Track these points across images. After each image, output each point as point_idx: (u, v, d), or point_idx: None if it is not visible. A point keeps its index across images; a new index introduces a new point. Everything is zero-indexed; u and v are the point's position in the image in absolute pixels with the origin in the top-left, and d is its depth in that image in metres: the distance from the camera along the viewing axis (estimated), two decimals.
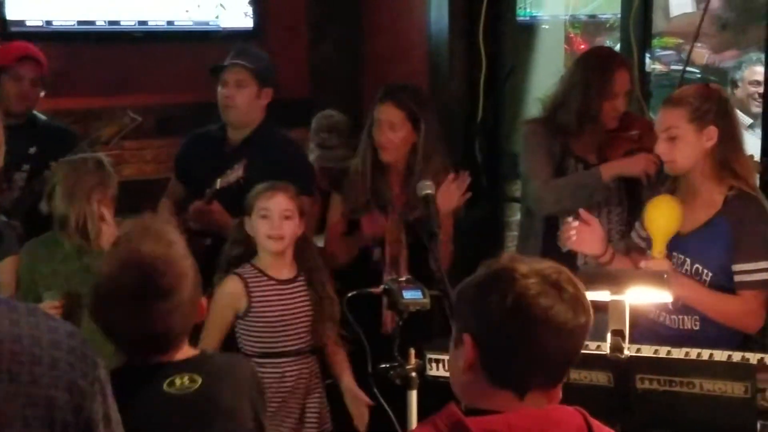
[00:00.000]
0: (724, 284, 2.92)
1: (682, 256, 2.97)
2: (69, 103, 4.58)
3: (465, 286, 1.71)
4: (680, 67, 5.06)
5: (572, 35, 6.19)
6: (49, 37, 4.63)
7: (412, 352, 2.62)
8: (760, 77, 4.55)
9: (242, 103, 3.71)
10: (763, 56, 4.47)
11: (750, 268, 2.89)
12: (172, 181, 3.98)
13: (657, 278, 2.53)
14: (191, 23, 5.00)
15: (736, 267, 2.90)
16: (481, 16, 4.78)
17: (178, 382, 2.04)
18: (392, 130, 3.55)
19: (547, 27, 5.60)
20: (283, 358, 3.19)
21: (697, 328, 2.96)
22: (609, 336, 2.32)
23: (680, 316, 2.98)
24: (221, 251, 3.35)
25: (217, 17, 5.04)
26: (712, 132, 2.91)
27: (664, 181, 3.11)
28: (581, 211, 3.10)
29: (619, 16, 4.93)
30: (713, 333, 2.91)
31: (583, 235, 3.04)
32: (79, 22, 4.72)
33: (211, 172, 3.61)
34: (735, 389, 2.28)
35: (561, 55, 5.66)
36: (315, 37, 5.40)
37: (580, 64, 3.69)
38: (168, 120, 4.79)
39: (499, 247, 4.94)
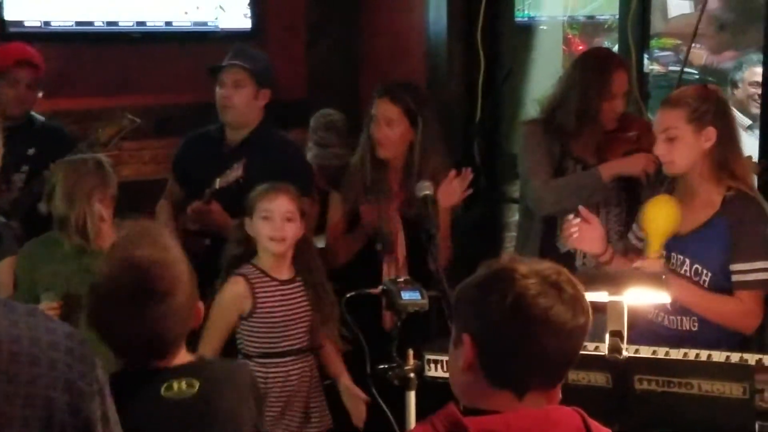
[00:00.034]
0: (724, 285, 2.93)
1: (682, 257, 2.97)
2: (67, 103, 4.58)
3: (464, 286, 1.71)
4: (678, 68, 5.06)
5: (570, 36, 6.19)
6: (48, 37, 4.63)
7: (411, 352, 2.63)
8: (760, 78, 4.55)
9: (240, 103, 3.71)
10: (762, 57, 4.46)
11: (747, 268, 2.89)
12: (170, 182, 3.97)
13: (655, 279, 2.53)
14: (190, 24, 4.99)
15: (734, 267, 2.91)
16: (479, 17, 4.79)
17: (175, 386, 2.04)
18: (389, 126, 3.55)
19: (545, 28, 5.60)
20: (286, 358, 3.20)
21: (696, 329, 2.97)
22: (607, 337, 2.32)
23: (678, 317, 2.99)
24: (220, 252, 3.34)
25: (216, 18, 5.04)
26: (710, 133, 2.91)
27: (663, 182, 3.11)
28: (581, 209, 3.10)
29: (617, 17, 4.94)
30: (712, 334, 2.91)
31: (584, 233, 3.05)
32: (78, 23, 4.71)
33: (210, 172, 3.61)
34: (733, 390, 2.28)
35: (559, 55, 5.66)
36: (313, 37, 5.40)
37: (578, 64, 3.70)
38: (166, 121, 4.78)
39: (497, 248, 4.94)
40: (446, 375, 2.44)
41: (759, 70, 4.58)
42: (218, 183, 3.56)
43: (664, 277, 2.56)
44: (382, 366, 2.61)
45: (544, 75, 4.93)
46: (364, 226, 3.60)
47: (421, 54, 5.11)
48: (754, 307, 2.92)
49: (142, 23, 4.86)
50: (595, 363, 2.33)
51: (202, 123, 3.91)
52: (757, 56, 4.78)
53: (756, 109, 4.78)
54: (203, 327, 3.02)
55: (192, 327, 2.12)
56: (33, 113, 4.09)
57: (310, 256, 3.31)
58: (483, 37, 4.81)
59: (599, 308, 2.04)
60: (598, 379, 2.34)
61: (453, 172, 3.50)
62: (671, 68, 6.06)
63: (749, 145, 4.09)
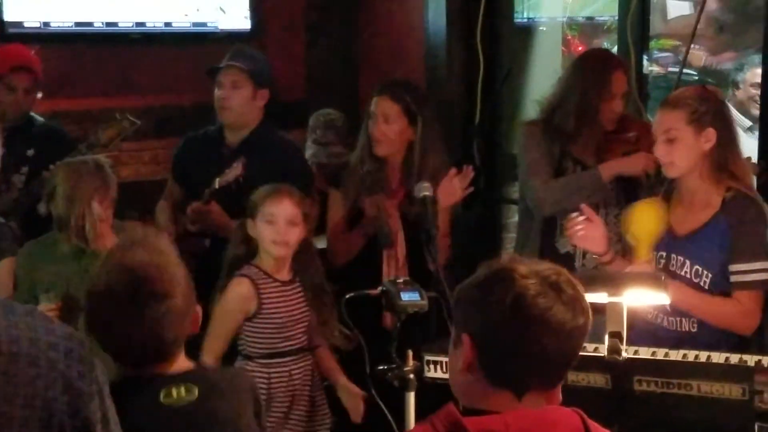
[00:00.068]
0: (725, 286, 2.93)
1: (682, 258, 2.97)
2: (67, 104, 4.58)
3: (464, 286, 1.71)
4: (678, 69, 5.06)
5: (570, 37, 6.19)
6: (47, 38, 4.62)
7: (410, 353, 2.63)
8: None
9: (238, 104, 3.71)
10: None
11: (746, 269, 2.90)
12: (169, 183, 3.97)
13: (655, 280, 2.53)
14: (189, 25, 4.99)
15: (733, 267, 2.91)
16: (478, 18, 4.79)
17: (174, 393, 2.03)
18: (387, 123, 3.55)
19: (544, 29, 5.60)
20: (288, 357, 3.21)
21: (695, 330, 2.97)
22: (607, 338, 2.32)
23: (678, 318, 2.99)
24: (220, 252, 3.34)
25: (215, 19, 5.04)
26: (710, 134, 2.92)
27: (662, 183, 3.12)
28: (584, 207, 3.11)
29: (616, 18, 4.94)
30: (711, 335, 2.91)
31: (589, 231, 3.05)
32: (77, 24, 4.71)
33: (210, 173, 3.61)
34: (733, 391, 2.29)
35: (558, 57, 5.66)
36: (312, 38, 5.40)
37: (577, 65, 3.70)
38: (166, 121, 4.78)
39: (496, 249, 4.94)
40: (446, 376, 2.44)
41: (760, 71, 4.58)
42: (218, 182, 3.56)
43: (663, 278, 2.56)
44: (381, 367, 2.61)
45: (543, 76, 4.93)
46: (365, 221, 3.59)
47: (420, 55, 5.11)
48: (752, 307, 2.92)
49: (141, 24, 4.86)
50: (594, 364, 2.33)
51: (202, 124, 3.91)
52: (759, 57, 4.78)
53: (756, 111, 4.78)
54: (206, 329, 3.02)
55: (190, 332, 2.11)
56: (33, 114, 4.08)
57: (309, 257, 3.31)
58: (482, 38, 4.82)
59: (599, 309, 2.04)
60: (598, 380, 2.35)
61: (453, 171, 3.49)
62: (670, 69, 6.06)
63: (749, 146, 4.09)
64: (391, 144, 3.57)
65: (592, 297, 1.90)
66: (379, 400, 2.70)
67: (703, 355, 2.57)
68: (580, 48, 6.06)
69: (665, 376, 2.33)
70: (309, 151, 4.64)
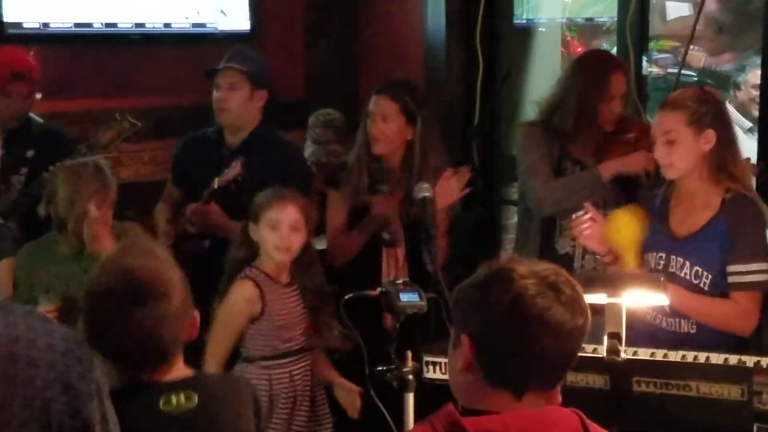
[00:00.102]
0: (725, 287, 2.93)
1: (681, 260, 2.97)
2: (66, 105, 4.58)
3: (463, 287, 1.71)
4: (677, 70, 5.06)
5: (569, 38, 6.19)
6: (47, 39, 4.62)
7: (409, 354, 2.63)
8: None
9: (235, 105, 3.71)
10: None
11: (744, 270, 2.90)
12: (168, 184, 3.97)
13: (653, 281, 2.53)
14: (189, 26, 4.99)
15: (731, 268, 2.91)
16: (478, 19, 4.79)
17: (174, 400, 2.03)
18: (384, 121, 3.54)
19: (543, 30, 5.61)
20: (288, 358, 3.21)
21: (694, 331, 2.97)
22: (606, 339, 2.32)
23: (677, 319, 2.99)
24: (220, 254, 3.34)
25: (215, 20, 5.04)
26: (710, 135, 2.92)
27: (661, 184, 3.12)
28: (588, 206, 3.11)
29: (615, 19, 4.94)
30: (710, 336, 2.91)
31: (593, 230, 3.06)
32: (77, 25, 4.71)
33: (209, 175, 3.61)
34: (731, 392, 2.28)
35: (558, 58, 5.67)
36: (312, 39, 5.40)
37: (576, 66, 3.70)
38: (165, 122, 4.78)
39: (496, 250, 4.95)
40: (445, 377, 2.44)
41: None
42: (216, 182, 3.56)
43: (662, 279, 2.56)
44: (380, 368, 2.61)
45: (542, 77, 4.93)
46: (371, 219, 3.57)
47: (419, 56, 5.11)
48: (750, 308, 2.92)
49: (141, 25, 4.86)
50: (593, 365, 2.33)
51: (202, 124, 3.91)
52: (760, 58, 4.77)
53: (757, 112, 4.78)
54: (205, 332, 3.02)
55: (188, 338, 2.11)
56: (32, 115, 4.08)
57: (309, 260, 3.31)
58: (482, 38, 4.82)
59: (597, 310, 2.04)
60: (597, 381, 2.35)
61: (449, 171, 3.49)
62: (670, 70, 6.06)
63: (750, 147, 4.09)
64: (389, 143, 3.56)
65: (591, 298, 1.90)
66: (378, 401, 2.69)
67: (702, 356, 2.57)
68: (579, 49, 6.06)
69: (664, 377, 2.32)
70: (308, 150, 4.65)
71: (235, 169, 3.53)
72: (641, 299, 2.48)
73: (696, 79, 5.85)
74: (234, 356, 3.23)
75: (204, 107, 3.85)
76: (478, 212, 4.88)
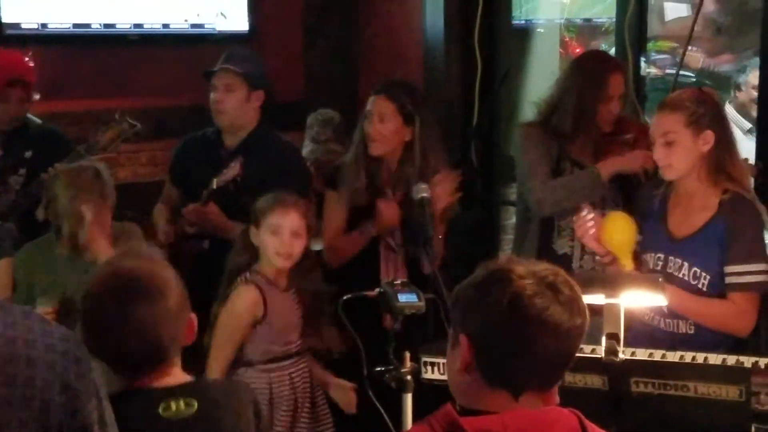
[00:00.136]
0: (723, 287, 2.93)
1: (680, 260, 2.97)
2: (65, 105, 4.58)
3: (462, 287, 1.72)
4: (675, 71, 5.07)
5: (567, 39, 6.20)
6: (45, 39, 4.63)
7: (408, 355, 2.63)
8: None
9: (231, 107, 3.71)
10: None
11: (741, 270, 2.90)
12: (167, 185, 3.97)
13: (652, 282, 2.53)
14: (187, 26, 5.00)
15: (728, 269, 2.91)
16: (476, 20, 4.79)
17: (173, 406, 2.03)
18: (381, 121, 3.53)
19: (542, 31, 5.62)
20: (287, 361, 3.21)
21: (692, 331, 2.97)
22: (604, 339, 2.32)
23: (675, 320, 2.99)
24: (219, 254, 3.34)
25: (213, 21, 5.05)
26: (708, 136, 2.92)
27: (660, 185, 3.12)
28: (588, 207, 3.11)
29: (614, 20, 4.95)
30: (708, 336, 2.92)
31: (597, 230, 3.06)
32: (75, 25, 4.71)
33: (208, 176, 3.60)
34: (729, 392, 2.29)
35: (556, 58, 5.68)
36: (311, 39, 5.41)
37: (574, 67, 3.70)
38: (164, 123, 4.78)
39: (494, 251, 4.95)
40: (443, 377, 2.44)
41: None
42: (215, 183, 3.55)
43: (660, 279, 2.56)
44: (378, 368, 2.61)
45: (541, 78, 4.94)
46: (379, 224, 3.55)
47: (418, 57, 5.12)
48: (748, 308, 2.92)
49: (139, 25, 4.86)
50: (591, 365, 2.33)
51: (200, 125, 3.91)
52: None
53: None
54: (204, 335, 3.02)
55: (186, 342, 2.11)
56: (30, 116, 4.08)
57: (309, 264, 3.30)
58: (480, 39, 4.82)
59: (596, 311, 2.04)
60: (595, 381, 2.35)
61: (440, 175, 3.48)
62: (668, 71, 6.07)
63: (750, 148, 4.09)
64: (385, 143, 3.55)
65: (590, 298, 1.90)
66: (376, 401, 2.69)
67: (700, 357, 2.57)
68: (577, 50, 6.08)
69: (662, 378, 2.32)
70: (306, 149, 4.65)
71: (233, 169, 3.53)
72: (639, 300, 2.48)
73: (694, 79, 5.86)
74: (234, 360, 3.23)
75: (202, 108, 3.85)
76: (476, 213, 4.89)
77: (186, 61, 4.77)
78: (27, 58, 4.20)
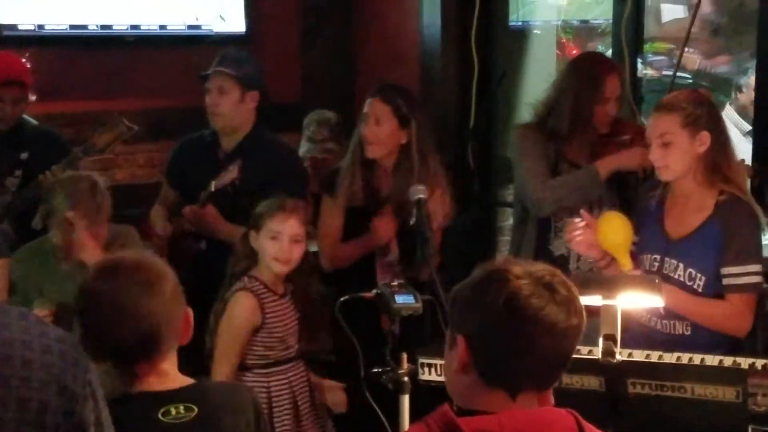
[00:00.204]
0: (718, 289, 2.93)
1: (675, 261, 2.97)
2: (61, 107, 4.58)
3: (459, 288, 1.72)
4: (672, 73, 5.07)
5: (564, 40, 6.20)
6: (42, 41, 4.63)
7: (405, 356, 2.63)
8: None
9: (226, 109, 3.71)
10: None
11: (738, 272, 2.90)
12: (164, 187, 3.97)
13: (649, 283, 2.53)
14: (184, 28, 5.00)
15: (725, 270, 2.91)
16: (473, 22, 4.80)
17: (173, 411, 2.03)
18: (377, 124, 3.53)
19: (539, 32, 5.62)
20: (285, 365, 3.21)
21: (689, 333, 2.97)
22: (601, 340, 2.32)
23: (672, 321, 2.99)
24: (216, 255, 3.34)
25: (211, 23, 5.05)
26: (705, 137, 2.92)
27: (656, 186, 3.12)
28: (583, 212, 3.11)
29: (610, 21, 4.95)
30: (705, 338, 2.92)
31: (586, 237, 3.06)
32: (72, 27, 4.71)
33: (206, 177, 3.60)
34: (726, 394, 2.29)
35: (553, 60, 5.68)
36: (307, 42, 5.41)
37: (571, 68, 3.70)
38: (161, 124, 4.78)
39: (491, 252, 4.95)
40: (440, 379, 2.44)
41: None
42: (213, 185, 3.55)
43: (657, 281, 2.56)
44: (376, 369, 2.61)
45: (537, 79, 4.94)
46: (375, 242, 3.56)
47: (415, 58, 5.12)
48: (745, 310, 2.92)
49: (136, 27, 4.86)
50: (588, 367, 2.33)
51: (197, 126, 3.91)
52: None
53: None
54: (202, 334, 3.01)
55: (183, 341, 2.10)
56: (25, 117, 4.07)
57: (307, 269, 3.30)
58: (477, 41, 4.83)
59: (593, 312, 2.04)
60: (592, 382, 2.35)
61: (435, 197, 3.47)
62: (665, 72, 6.07)
63: (748, 150, 4.09)
64: (381, 146, 3.55)
65: (587, 299, 1.90)
66: (373, 402, 2.69)
67: (696, 358, 2.57)
68: (574, 51, 6.08)
69: (659, 379, 2.33)
70: (302, 149, 4.65)
71: (231, 173, 3.53)
72: (636, 301, 2.48)
73: (691, 81, 5.86)
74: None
75: (200, 109, 3.85)
76: (473, 214, 4.89)
77: (183, 62, 4.77)
78: (23, 59, 4.19)
